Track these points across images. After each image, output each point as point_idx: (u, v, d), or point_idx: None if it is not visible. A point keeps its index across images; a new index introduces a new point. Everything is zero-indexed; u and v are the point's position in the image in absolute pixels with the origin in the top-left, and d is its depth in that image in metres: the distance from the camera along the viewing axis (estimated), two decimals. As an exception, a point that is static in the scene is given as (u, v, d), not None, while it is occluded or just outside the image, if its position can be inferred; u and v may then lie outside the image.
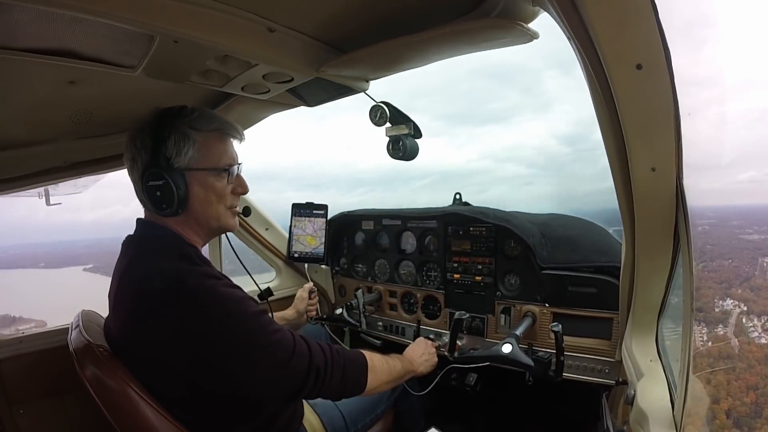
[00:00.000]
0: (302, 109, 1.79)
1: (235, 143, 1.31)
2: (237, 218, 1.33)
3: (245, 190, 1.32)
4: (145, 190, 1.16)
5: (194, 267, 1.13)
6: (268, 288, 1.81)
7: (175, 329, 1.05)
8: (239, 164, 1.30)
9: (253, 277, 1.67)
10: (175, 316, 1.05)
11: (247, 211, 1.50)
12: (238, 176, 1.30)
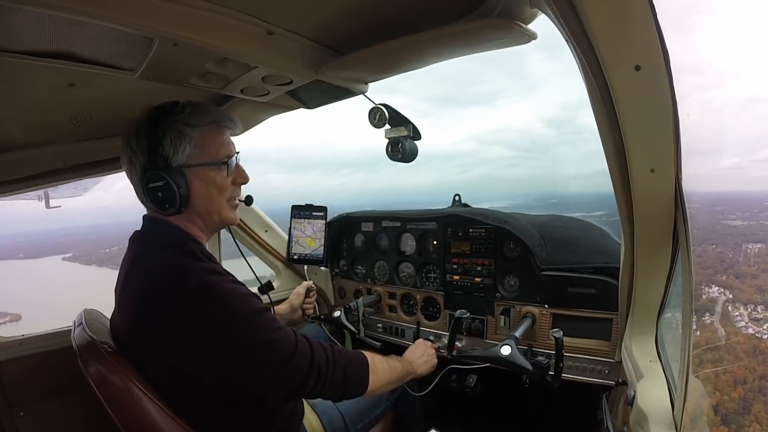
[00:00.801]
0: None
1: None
2: (237, 212, 1.34)
3: (246, 180, 1.31)
4: (146, 192, 1.16)
5: (198, 263, 1.14)
6: (269, 282, 1.79)
7: (178, 324, 1.06)
8: (237, 153, 1.29)
9: (254, 271, 1.67)
10: (178, 311, 1.06)
11: (249, 199, 1.51)
12: (238, 166, 1.29)
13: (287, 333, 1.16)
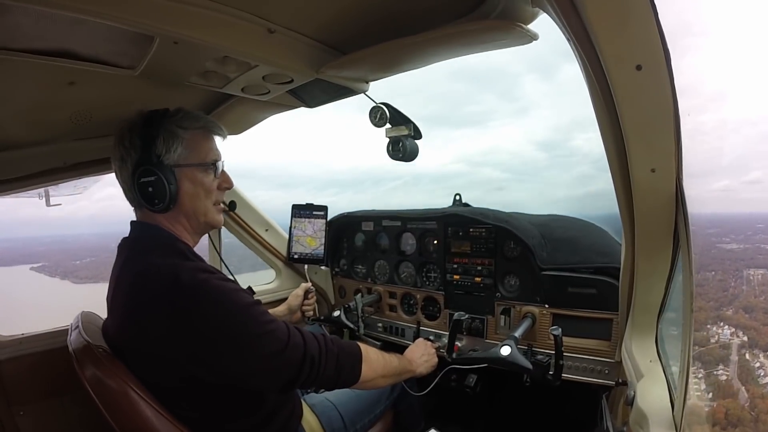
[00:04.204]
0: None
1: (218, 140, 1.35)
2: (223, 215, 1.38)
3: (230, 185, 1.37)
4: (137, 187, 1.19)
5: (188, 262, 1.17)
6: (250, 287, 1.80)
7: (171, 322, 1.07)
8: (222, 161, 1.34)
9: (235, 277, 1.67)
10: (171, 309, 1.07)
11: (233, 204, 1.53)
12: (223, 172, 1.34)
13: (279, 325, 1.19)
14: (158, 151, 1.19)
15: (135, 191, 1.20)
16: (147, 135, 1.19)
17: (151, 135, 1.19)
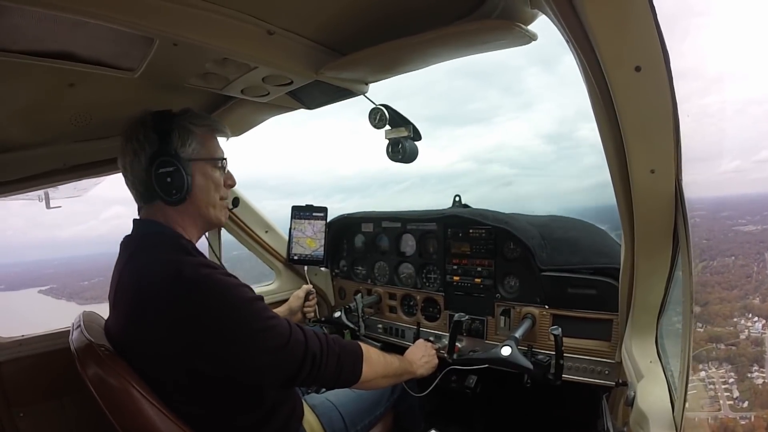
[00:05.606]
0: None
1: (221, 141, 1.40)
2: (227, 213, 1.42)
3: (234, 182, 1.42)
4: (155, 178, 1.20)
5: (190, 257, 1.18)
6: (248, 286, 1.79)
7: (174, 318, 1.08)
8: (226, 159, 1.38)
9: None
10: (173, 304, 1.08)
11: (236, 201, 1.55)
12: (227, 170, 1.39)
13: (281, 321, 1.20)
14: (174, 144, 1.23)
15: (152, 182, 1.20)
16: (162, 130, 1.22)
17: (165, 130, 1.23)
